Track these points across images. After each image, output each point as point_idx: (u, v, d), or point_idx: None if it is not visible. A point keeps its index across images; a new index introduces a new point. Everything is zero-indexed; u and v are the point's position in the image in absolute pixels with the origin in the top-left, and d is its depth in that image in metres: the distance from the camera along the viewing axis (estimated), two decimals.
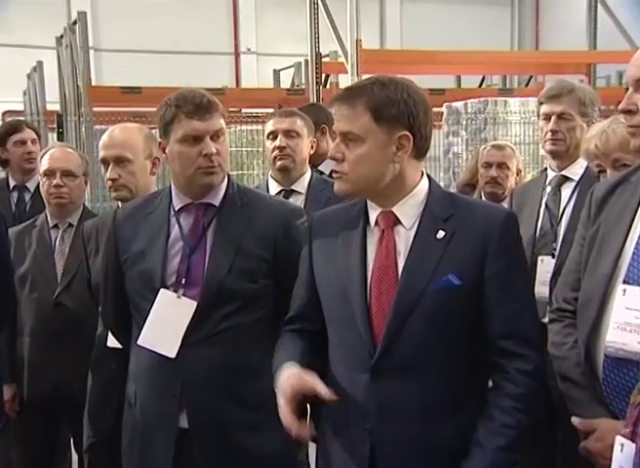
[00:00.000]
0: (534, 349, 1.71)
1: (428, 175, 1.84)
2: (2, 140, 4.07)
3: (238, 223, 2.12)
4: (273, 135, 3.05)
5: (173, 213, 2.15)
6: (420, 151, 1.77)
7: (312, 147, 3.12)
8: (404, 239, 1.75)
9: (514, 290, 1.72)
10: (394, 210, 1.76)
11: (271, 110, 10.36)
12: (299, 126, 3.06)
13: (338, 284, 1.78)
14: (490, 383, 1.77)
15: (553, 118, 2.77)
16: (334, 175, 1.79)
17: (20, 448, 3.04)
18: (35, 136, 4.15)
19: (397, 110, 1.71)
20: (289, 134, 3.03)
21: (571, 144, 2.77)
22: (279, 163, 3.04)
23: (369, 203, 1.81)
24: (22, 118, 11.51)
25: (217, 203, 2.14)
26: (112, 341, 2.48)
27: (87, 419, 2.62)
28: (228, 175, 2.19)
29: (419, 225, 1.75)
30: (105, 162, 2.54)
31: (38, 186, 3.83)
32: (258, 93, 11.32)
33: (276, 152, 3.03)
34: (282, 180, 3.08)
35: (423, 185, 1.79)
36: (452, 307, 1.69)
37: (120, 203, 2.58)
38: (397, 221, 1.76)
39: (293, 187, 3.07)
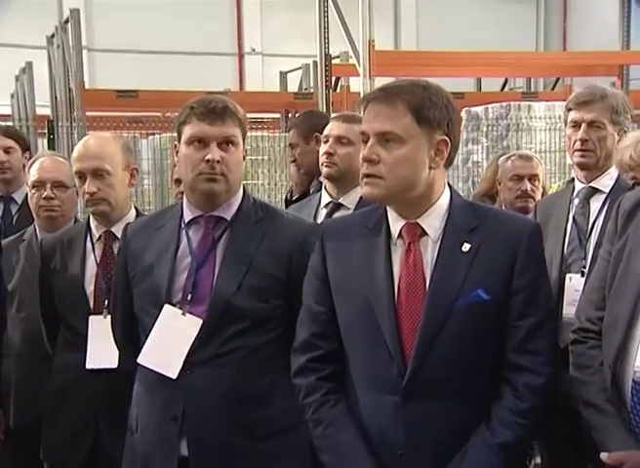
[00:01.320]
0: (545, 364, 1.77)
1: (449, 185, 1.88)
2: None
3: (251, 239, 2.14)
4: (326, 138, 3.03)
5: (183, 226, 2.18)
6: (450, 160, 1.83)
7: None
8: (430, 252, 1.80)
9: (535, 303, 1.78)
10: (420, 221, 1.81)
11: (277, 115, 10.53)
12: (355, 133, 2.94)
13: (361, 299, 1.81)
14: None
15: (583, 126, 2.76)
16: (365, 178, 1.80)
17: None
18: (11, 144, 4.06)
19: (439, 114, 1.76)
20: (340, 140, 2.97)
21: (601, 156, 2.75)
22: (324, 170, 3.00)
23: (390, 213, 1.84)
24: (10, 123, 11.60)
25: (228, 216, 2.16)
26: (93, 363, 2.52)
27: (49, 452, 2.65)
28: (244, 189, 2.22)
29: (443, 238, 1.79)
30: (82, 175, 2.57)
31: (26, 198, 3.86)
32: (263, 96, 11.40)
33: (323, 158, 2.99)
34: (331, 191, 3.02)
35: (446, 195, 1.85)
36: (482, 323, 1.75)
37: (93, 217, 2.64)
38: (423, 233, 1.81)
39: (341, 201, 2.98)
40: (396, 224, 1.82)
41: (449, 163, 1.83)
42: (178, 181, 3.72)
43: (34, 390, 2.81)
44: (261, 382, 2.09)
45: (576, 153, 2.79)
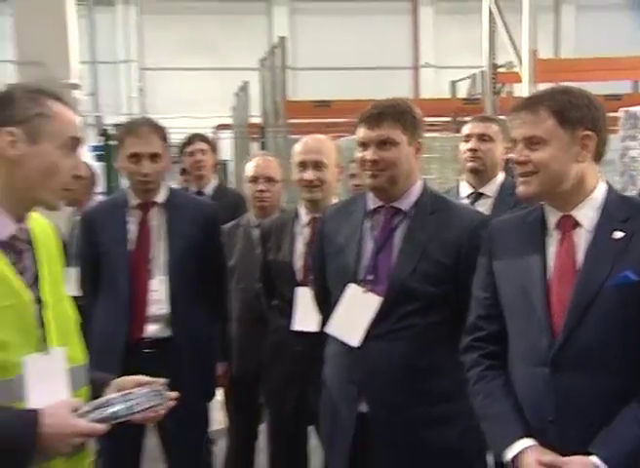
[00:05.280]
0: None
1: (608, 182, 1.77)
2: (180, 152, 4.20)
3: (425, 229, 2.09)
4: (468, 138, 3.00)
5: (367, 213, 2.17)
6: (599, 154, 1.73)
7: (506, 153, 3.04)
8: (583, 240, 1.69)
9: None
10: (573, 213, 1.71)
11: (448, 119, 10.32)
12: (493, 130, 2.98)
13: (518, 282, 1.74)
14: None
15: None
16: (519, 178, 1.73)
17: (234, 419, 3.20)
18: (205, 147, 4.13)
19: (580, 113, 1.68)
20: (482, 137, 2.96)
21: None
22: (469, 165, 2.97)
23: (547, 208, 1.76)
24: (231, 130, 12.16)
25: (405, 208, 2.13)
26: (298, 326, 2.56)
27: (267, 398, 2.76)
28: (425, 183, 2.18)
29: (597, 227, 1.69)
30: (304, 164, 2.60)
31: (215, 192, 3.98)
32: (435, 102, 11.22)
33: (468, 154, 2.97)
34: (472, 183, 3.00)
35: (601, 189, 1.74)
36: (629, 303, 1.62)
37: (305, 204, 2.66)
38: (576, 224, 1.71)
39: (482, 190, 2.97)
40: (552, 217, 1.74)
41: (598, 157, 1.72)
42: (351, 176, 3.79)
43: (252, 347, 2.90)
44: (428, 357, 2.06)
45: None
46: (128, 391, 1.55)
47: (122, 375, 1.67)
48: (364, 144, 2.09)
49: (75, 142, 1.54)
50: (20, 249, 1.51)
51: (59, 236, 1.68)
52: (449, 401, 2.06)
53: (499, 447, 1.71)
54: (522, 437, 1.67)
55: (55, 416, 1.41)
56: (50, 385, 1.46)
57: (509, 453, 1.67)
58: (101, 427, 1.46)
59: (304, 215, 2.66)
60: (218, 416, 3.33)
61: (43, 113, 1.49)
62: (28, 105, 1.48)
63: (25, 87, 1.53)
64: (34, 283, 1.51)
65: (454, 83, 11.64)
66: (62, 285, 1.61)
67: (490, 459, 2.13)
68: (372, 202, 2.16)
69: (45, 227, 1.62)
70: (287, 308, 2.60)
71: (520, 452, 1.65)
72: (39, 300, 1.49)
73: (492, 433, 1.76)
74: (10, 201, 1.48)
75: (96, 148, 9.02)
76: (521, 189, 1.73)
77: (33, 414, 1.41)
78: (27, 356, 1.44)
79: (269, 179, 3.05)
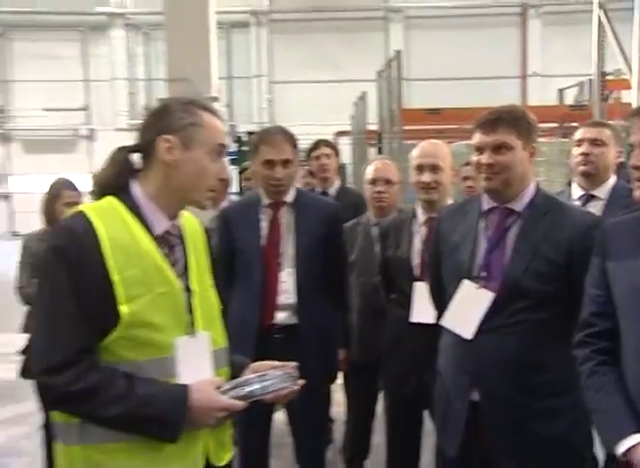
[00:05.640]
0: None
1: None
2: (307, 156, 4.22)
3: (538, 230, 1.99)
4: (580, 142, 2.85)
5: (481, 214, 2.10)
6: None
7: (619, 157, 2.85)
8: None
9: None
10: None
11: (555, 125, 9.85)
12: (605, 135, 2.81)
13: (632, 281, 1.62)
14: None
15: None
16: (636, 183, 1.62)
17: (354, 400, 3.20)
18: (329, 152, 4.07)
19: None
20: (595, 142, 2.80)
21: None
22: (581, 168, 2.82)
23: None
24: (349, 137, 12.20)
25: (518, 208, 2.04)
26: (416, 317, 2.51)
27: (387, 383, 2.71)
28: (537, 185, 2.08)
29: None
30: (421, 168, 2.55)
31: (338, 192, 3.97)
32: (543, 109, 10.74)
33: (579, 158, 2.82)
34: (584, 185, 2.84)
35: None
36: None
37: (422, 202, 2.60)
38: None
39: (594, 193, 2.81)
40: None
41: None
42: (464, 178, 3.68)
43: (370, 336, 2.88)
44: (538, 353, 1.95)
45: None
46: (263, 372, 1.57)
47: (256, 358, 1.69)
48: (480, 149, 2.01)
49: (222, 148, 1.57)
50: (172, 243, 1.56)
51: (205, 232, 1.72)
52: (558, 395, 1.95)
53: (610, 440, 1.59)
54: (635, 432, 1.54)
55: (201, 392, 1.45)
56: (196, 365, 1.50)
57: (621, 448, 1.54)
58: (240, 404, 1.49)
59: (421, 215, 2.61)
60: (338, 397, 3.33)
61: (195, 122, 1.52)
62: (183, 116, 1.52)
63: (179, 99, 1.57)
64: (184, 273, 1.55)
65: (561, 91, 11.11)
66: (208, 275, 1.65)
67: (599, 453, 2.00)
68: (486, 203, 2.08)
69: (194, 224, 1.66)
70: (405, 301, 2.56)
71: (632, 447, 1.53)
72: (188, 289, 1.54)
73: (603, 427, 1.64)
74: (165, 201, 1.53)
75: (230, 153, 9.30)
76: (638, 193, 1.62)
77: (184, 389, 1.45)
78: (178, 338, 1.48)
79: (387, 181, 3.01)
